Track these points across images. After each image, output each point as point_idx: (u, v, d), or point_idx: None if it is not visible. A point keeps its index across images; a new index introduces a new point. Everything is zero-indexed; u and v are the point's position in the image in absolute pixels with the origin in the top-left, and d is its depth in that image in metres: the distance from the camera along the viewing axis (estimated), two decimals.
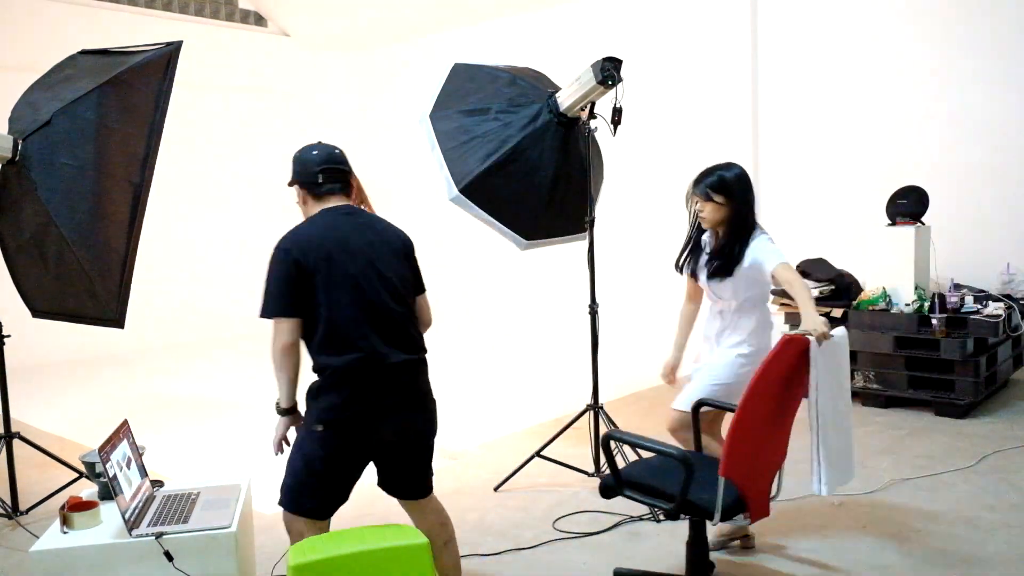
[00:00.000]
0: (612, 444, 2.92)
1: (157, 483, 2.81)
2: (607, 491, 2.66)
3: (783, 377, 2.49)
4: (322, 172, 2.57)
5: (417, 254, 2.65)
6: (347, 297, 2.41)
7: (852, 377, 5.24)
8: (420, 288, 2.66)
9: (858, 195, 6.51)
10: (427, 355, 2.60)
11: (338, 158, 2.63)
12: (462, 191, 4.00)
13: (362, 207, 2.73)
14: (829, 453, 2.58)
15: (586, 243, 4.05)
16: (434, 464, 2.66)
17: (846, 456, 2.70)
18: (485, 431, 4.92)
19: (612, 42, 7.54)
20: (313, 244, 2.44)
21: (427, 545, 2.33)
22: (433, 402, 2.60)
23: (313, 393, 2.44)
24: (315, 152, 2.60)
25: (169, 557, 2.36)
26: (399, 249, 2.58)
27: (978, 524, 3.35)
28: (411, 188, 9.29)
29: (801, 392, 2.61)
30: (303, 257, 2.42)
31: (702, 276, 3.23)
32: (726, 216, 3.10)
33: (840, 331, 2.67)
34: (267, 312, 2.42)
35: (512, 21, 8.42)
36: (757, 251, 3.06)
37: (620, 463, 2.79)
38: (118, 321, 3.73)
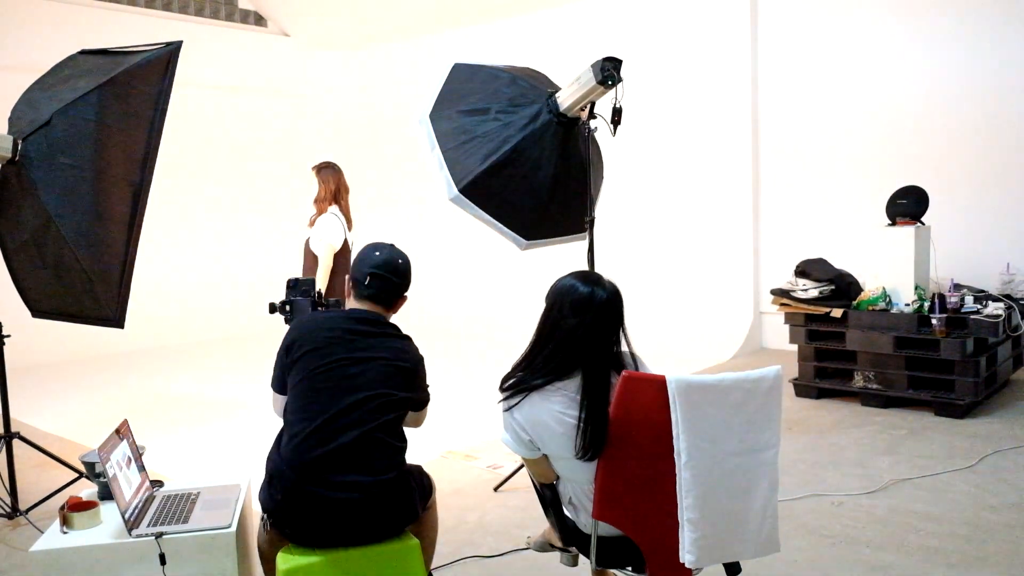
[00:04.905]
0: None
1: (157, 483, 2.81)
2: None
3: (653, 421, 2.06)
4: (371, 275, 2.46)
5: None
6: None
7: (852, 377, 5.25)
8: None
9: (858, 195, 6.51)
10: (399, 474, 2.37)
11: (396, 268, 2.49)
12: (462, 191, 3.98)
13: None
14: (702, 518, 2.05)
15: (586, 243, 4.02)
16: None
17: (743, 525, 2.12)
18: (485, 431, 4.91)
19: (612, 42, 7.54)
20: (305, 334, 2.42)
21: (417, 545, 2.34)
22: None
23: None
24: (377, 253, 2.50)
25: (162, 561, 2.36)
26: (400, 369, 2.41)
27: (978, 524, 3.35)
28: (411, 188, 9.29)
29: None
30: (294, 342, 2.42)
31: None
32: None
33: (756, 373, 2.11)
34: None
35: (512, 21, 8.42)
36: None
37: None
38: (118, 321, 3.73)
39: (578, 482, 2.24)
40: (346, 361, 2.33)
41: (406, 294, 2.53)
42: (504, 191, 4.04)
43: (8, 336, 3.84)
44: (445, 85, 4.26)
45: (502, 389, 2.27)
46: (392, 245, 2.52)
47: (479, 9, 8.47)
